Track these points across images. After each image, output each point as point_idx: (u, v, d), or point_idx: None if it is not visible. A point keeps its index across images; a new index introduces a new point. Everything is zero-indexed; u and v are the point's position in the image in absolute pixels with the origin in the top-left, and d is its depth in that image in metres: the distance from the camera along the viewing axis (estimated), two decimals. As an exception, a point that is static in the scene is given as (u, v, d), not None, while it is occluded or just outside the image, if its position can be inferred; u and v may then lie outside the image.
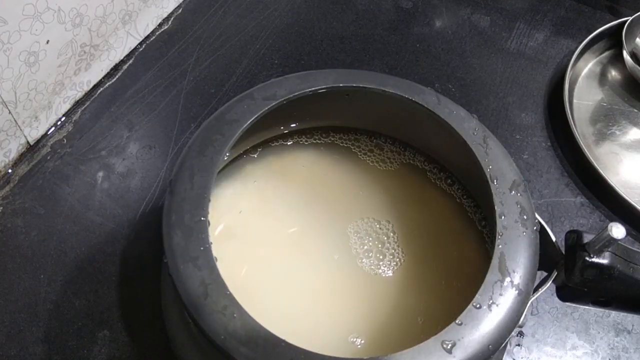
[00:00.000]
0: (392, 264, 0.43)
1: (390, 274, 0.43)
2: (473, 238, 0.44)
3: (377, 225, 0.45)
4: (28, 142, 0.53)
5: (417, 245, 0.44)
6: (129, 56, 0.61)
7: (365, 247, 0.44)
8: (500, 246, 0.35)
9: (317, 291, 0.42)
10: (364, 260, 0.43)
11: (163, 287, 0.44)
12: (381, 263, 0.43)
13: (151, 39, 0.63)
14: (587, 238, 0.36)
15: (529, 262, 0.35)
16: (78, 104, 0.57)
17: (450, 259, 0.44)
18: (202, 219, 0.35)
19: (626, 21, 0.64)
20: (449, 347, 0.31)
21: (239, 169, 0.47)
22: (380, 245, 0.44)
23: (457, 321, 0.32)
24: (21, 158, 0.53)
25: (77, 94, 0.57)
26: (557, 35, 0.68)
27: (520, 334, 0.46)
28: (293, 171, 0.47)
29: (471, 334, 0.32)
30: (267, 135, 0.48)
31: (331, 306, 0.41)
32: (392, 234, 0.45)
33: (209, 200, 0.36)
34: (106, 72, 0.59)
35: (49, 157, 0.53)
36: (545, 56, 0.66)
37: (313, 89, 0.42)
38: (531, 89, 0.63)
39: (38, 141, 0.54)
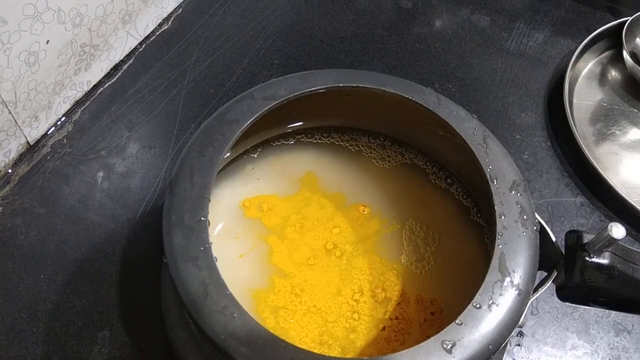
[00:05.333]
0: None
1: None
2: (473, 238, 0.44)
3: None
4: (28, 142, 0.53)
5: (416, 244, 0.44)
6: (129, 56, 0.61)
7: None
8: (500, 246, 0.35)
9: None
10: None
11: (163, 287, 0.44)
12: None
13: (151, 39, 0.63)
14: (587, 238, 0.36)
15: (529, 262, 0.35)
16: (78, 104, 0.57)
17: (450, 258, 0.44)
18: (202, 219, 0.35)
19: (626, 21, 0.64)
20: (449, 347, 0.31)
21: (239, 169, 0.47)
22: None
23: (457, 321, 0.32)
24: (21, 158, 0.53)
25: (77, 94, 0.57)
26: (557, 35, 0.68)
27: (520, 334, 0.46)
28: (293, 171, 0.47)
29: (471, 334, 0.32)
30: (267, 135, 0.48)
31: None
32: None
33: (209, 200, 0.36)
34: (106, 72, 0.59)
35: (49, 157, 0.53)
36: (545, 56, 0.66)
37: (313, 89, 0.42)
38: (531, 89, 0.63)
39: (38, 141, 0.54)
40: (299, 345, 0.31)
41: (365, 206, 0.46)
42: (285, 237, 0.44)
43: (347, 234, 0.44)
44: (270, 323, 0.40)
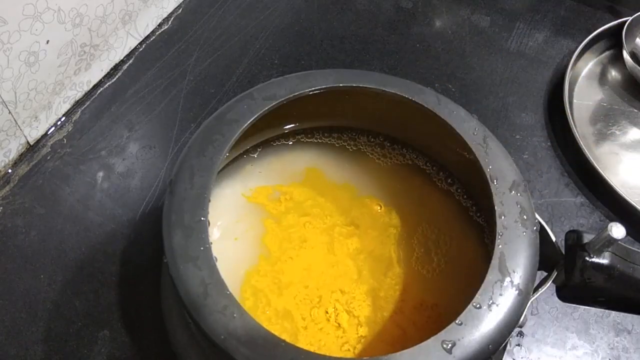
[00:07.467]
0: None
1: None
2: (473, 238, 0.44)
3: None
4: (28, 142, 0.53)
5: (416, 244, 0.44)
6: (129, 56, 0.61)
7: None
8: (500, 246, 0.35)
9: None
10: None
11: (163, 287, 0.44)
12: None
13: (151, 39, 0.63)
14: (587, 238, 0.36)
15: (529, 262, 0.35)
16: (78, 104, 0.57)
17: (450, 258, 0.44)
18: (202, 219, 0.35)
19: (626, 21, 0.64)
20: (449, 347, 0.31)
21: (239, 169, 0.47)
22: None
23: (457, 321, 0.32)
24: (21, 158, 0.53)
25: (77, 94, 0.57)
26: (557, 35, 0.68)
27: (520, 334, 0.46)
28: (293, 170, 0.47)
29: (471, 334, 0.32)
30: (267, 135, 0.48)
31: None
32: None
33: (209, 200, 0.36)
34: (106, 72, 0.59)
35: (49, 157, 0.53)
36: (545, 56, 0.66)
37: (313, 89, 0.42)
38: (531, 89, 0.63)
39: (38, 141, 0.54)
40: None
41: (381, 205, 0.46)
42: (287, 226, 0.44)
43: (353, 233, 0.44)
44: (249, 304, 0.40)
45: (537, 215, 0.38)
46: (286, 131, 0.48)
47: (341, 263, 0.43)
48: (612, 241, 0.34)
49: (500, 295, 0.33)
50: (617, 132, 0.60)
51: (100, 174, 0.52)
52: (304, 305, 0.41)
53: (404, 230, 0.45)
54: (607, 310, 0.48)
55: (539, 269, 0.36)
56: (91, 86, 0.58)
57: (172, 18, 0.65)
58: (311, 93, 0.42)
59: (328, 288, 0.42)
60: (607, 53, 0.67)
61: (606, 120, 0.61)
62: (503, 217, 0.37)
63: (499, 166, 0.39)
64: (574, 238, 0.36)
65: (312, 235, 0.44)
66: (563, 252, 0.37)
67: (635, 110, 0.62)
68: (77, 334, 0.44)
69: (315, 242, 0.44)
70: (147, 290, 0.46)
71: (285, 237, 0.44)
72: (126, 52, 0.61)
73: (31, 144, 0.53)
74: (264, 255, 0.43)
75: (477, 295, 0.33)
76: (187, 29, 0.64)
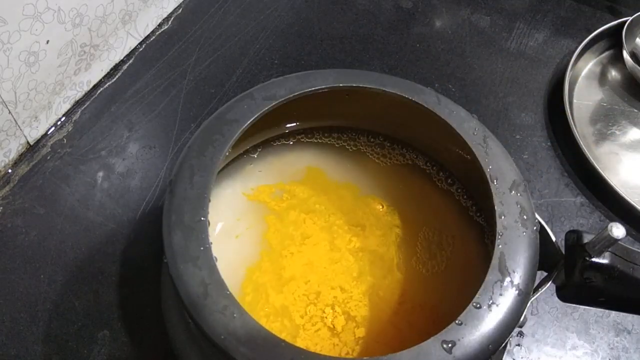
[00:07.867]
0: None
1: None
2: (473, 238, 0.44)
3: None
4: (28, 142, 0.53)
5: (418, 245, 0.44)
6: (129, 56, 0.61)
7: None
8: (500, 246, 0.35)
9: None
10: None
11: (163, 287, 0.44)
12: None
13: (151, 39, 0.63)
14: (587, 238, 0.36)
15: (529, 262, 0.35)
16: (78, 104, 0.57)
17: (450, 258, 0.44)
18: (202, 219, 0.35)
19: (626, 21, 0.64)
20: (449, 347, 0.31)
21: (239, 169, 0.47)
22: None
23: (457, 321, 0.32)
24: (21, 158, 0.53)
25: (77, 94, 0.57)
26: (557, 35, 0.68)
27: (520, 334, 0.46)
28: (294, 170, 0.47)
29: (471, 334, 0.32)
30: (267, 135, 0.48)
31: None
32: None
33: (209, 200, 0.36)
34: (106, 72, 0.59)
35: (49, 157, 0.53)
36: (545, 56, 0.66)
37: (313, 89, 0.42)
38: (531, 89, 0.63)
39: (38, 141, 0.54)
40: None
41: (383, 205, 0.46)
42: (289, 222, 0.44)
43: (355, 231, 0.44)
44: (249, 299, 0.40)
45: (537, 215, 0.38)
46: (286, 131, 0.48)
47: (343, 259, 0.43)
48: (612, 241, 0.34)
49: (500, 295, 0.33)
50: (617, 132, 0.60)
51: (100, 174, 0.52)
52: (301, 302, 0.41)
53: (405, 230, 0.45)
54: (607, 310, 0.48)
55: (539, 269, 0.36)
56: (91, 86, 0.58)
57: (172, 18, 0.65)
58: (311, 93, 0.42)
59: (328, 284, 0.42)
60: (607, 53, 0.67)
61: (606, 120, 0.61)
62: (503, 217, 0.37)
63: (499, 166, 0.39)
64: (574, 238, 0.36)
65: (314, 232, 0.44)
66: (563, 252, 0.37)
67: (635, 110, 0.62)
68: (77, 334, 0.44)
69: (317, 239, 0.44)
70: (147, 290, 0.46)
71: (287, 233, 0.44)
72: (126, 52, 0.61)
73: (31, 144, 0.53)
74: (266, 251, 0.43)
75: (477, 295, 0.33)
76: (187, 29, 0.64)
